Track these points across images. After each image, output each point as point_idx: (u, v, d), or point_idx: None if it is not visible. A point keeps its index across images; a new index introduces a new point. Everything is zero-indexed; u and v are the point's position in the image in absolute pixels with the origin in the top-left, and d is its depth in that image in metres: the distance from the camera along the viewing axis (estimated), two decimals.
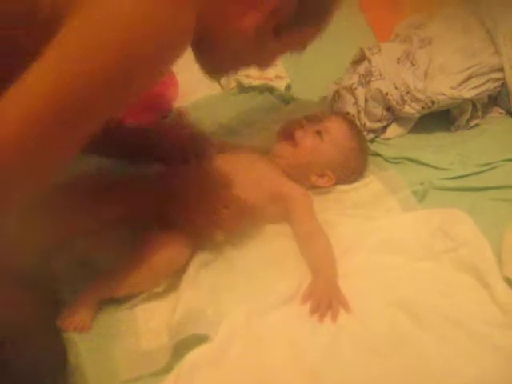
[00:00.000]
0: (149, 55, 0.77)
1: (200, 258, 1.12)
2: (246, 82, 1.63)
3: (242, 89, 1.65)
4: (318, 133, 1.28)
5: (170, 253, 1.10)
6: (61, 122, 0.76)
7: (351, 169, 1.33)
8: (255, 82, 1.62)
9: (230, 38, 0.96)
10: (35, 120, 0.74)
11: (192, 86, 1.58)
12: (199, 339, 0.97)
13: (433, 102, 1.46)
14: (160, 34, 0.77)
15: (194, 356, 0.96)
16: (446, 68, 1.53)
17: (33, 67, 0.74)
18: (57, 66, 0.74)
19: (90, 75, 0.75)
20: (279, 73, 1.68)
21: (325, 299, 1.04)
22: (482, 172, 1.36)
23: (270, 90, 1.63)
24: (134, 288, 1.08)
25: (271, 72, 1.66)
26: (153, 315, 1.06)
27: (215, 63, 1.05)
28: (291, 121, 1.31)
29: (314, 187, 1.29)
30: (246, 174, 1.22)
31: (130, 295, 1.08)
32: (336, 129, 1.31)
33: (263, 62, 1.11)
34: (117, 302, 1.07)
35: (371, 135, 1.50)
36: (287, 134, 1.29)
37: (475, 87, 1.49)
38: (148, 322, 1.04)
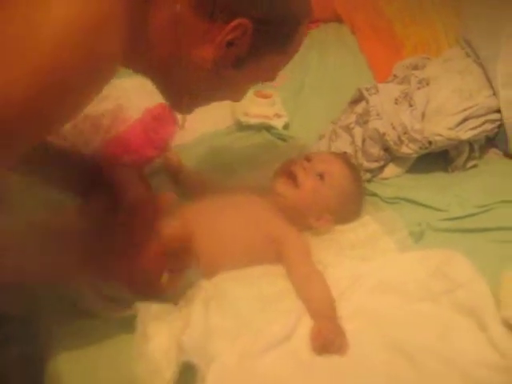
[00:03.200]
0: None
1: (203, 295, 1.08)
2: (243, 120, 1.62)
3: (240, 127, 1.64)
4: (320, 175, 1.27)
5: None
6: None
7: (349, 211, 1.32)
8: (253, 121, 1.62)
9: (188, 73, 0.97)
10: None
11: (191, 124, 1.57)
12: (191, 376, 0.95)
13: (430, 143, 1.46)
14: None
15: None
16: (444, 109, 1.54)
17: None
18: None
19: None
20: (278, 111, 1.68)
21: (332, 338, 1.02)
22: (479, 213, 1.35)
23: (268, 128, 1.63)
24: None
25: (270, 110, 1.67)
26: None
27: (178, 98, 1.05)
28: (292, 160, 1.30)
29: (311, 228, 1.27)
30: (239, 215, 1.21)
31: None
32: (338, 172, 1.29)
33: (232, 95, 1.11)
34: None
35: (368, 175, 1.50)
36: (288, 174, 1.27)
37: (472, 128, 1.50)
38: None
